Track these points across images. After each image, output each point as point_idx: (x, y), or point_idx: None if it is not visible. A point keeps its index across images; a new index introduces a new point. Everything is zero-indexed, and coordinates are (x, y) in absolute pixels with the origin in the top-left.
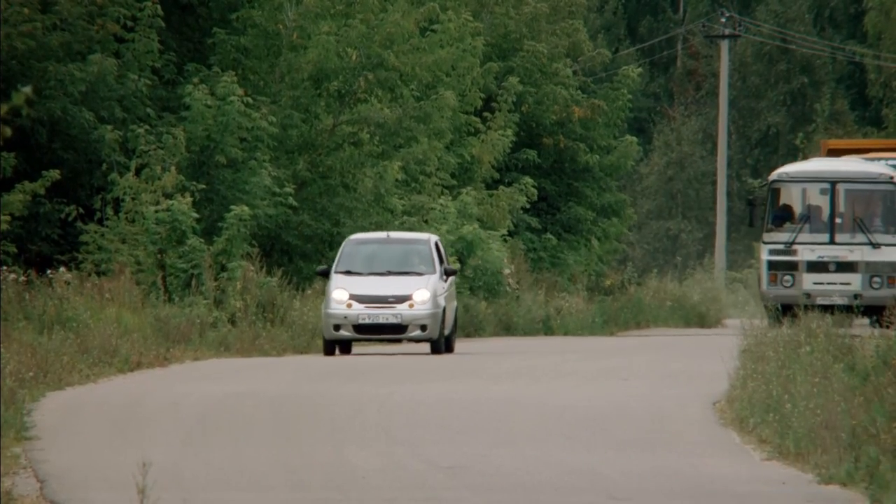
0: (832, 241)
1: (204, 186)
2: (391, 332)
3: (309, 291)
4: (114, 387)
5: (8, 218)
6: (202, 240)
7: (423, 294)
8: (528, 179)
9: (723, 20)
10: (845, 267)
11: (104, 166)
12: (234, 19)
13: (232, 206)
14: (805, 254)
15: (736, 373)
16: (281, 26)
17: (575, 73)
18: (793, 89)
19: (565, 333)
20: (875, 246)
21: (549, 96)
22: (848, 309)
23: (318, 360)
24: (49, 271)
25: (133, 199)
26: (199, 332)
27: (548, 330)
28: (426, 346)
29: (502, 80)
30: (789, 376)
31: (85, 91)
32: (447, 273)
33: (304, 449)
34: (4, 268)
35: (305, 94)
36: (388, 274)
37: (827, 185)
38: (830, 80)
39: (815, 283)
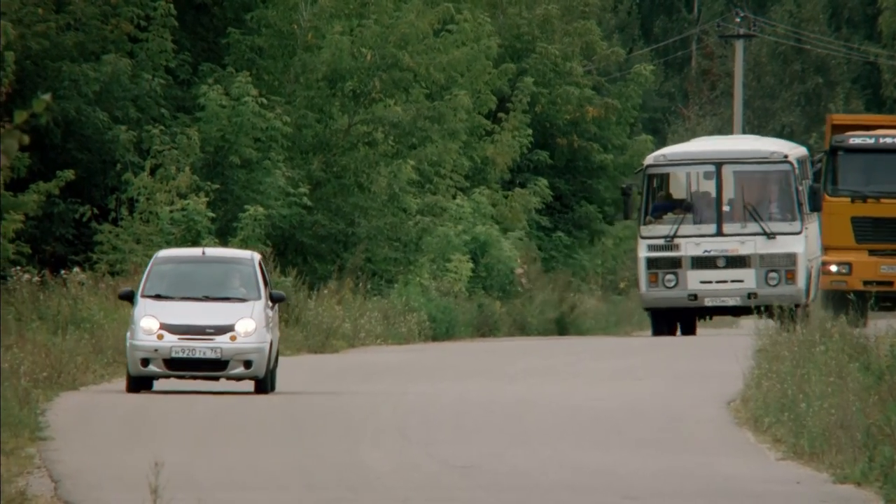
0: (720, 233)
1: (218, 186)
2: (209, 369)
3: (325, 291)
4: None
5: (22, 218)
6: (217, 240)
7: (247, 324)
8: (542, 180)
9: (737, 20)
10: (736, 262)
11: (118, 166)
12: (249, 19)
13: (247, 207)
14: (689, 248)
15: (750, 372)
16: (295, 26)
17: (589, 72)
18: (807, 89)
19: (579, 333)
20: (770, 236)
21: (563, 96)
22: (741, 311)
23: (333, 360)
24: (63, 271)
25: (147, 199)
26: None
27: (562, 330)
28: (249, 384)
29: (516, 81)
30: (804, 376)
31: (99, 91)
32: (274, 299)
33: (318, 449)
34: (19, 268)
35: (320, 94)
36: (206, 299)
37: (711, 168)
38: (845, 81)
39: (703, 282)
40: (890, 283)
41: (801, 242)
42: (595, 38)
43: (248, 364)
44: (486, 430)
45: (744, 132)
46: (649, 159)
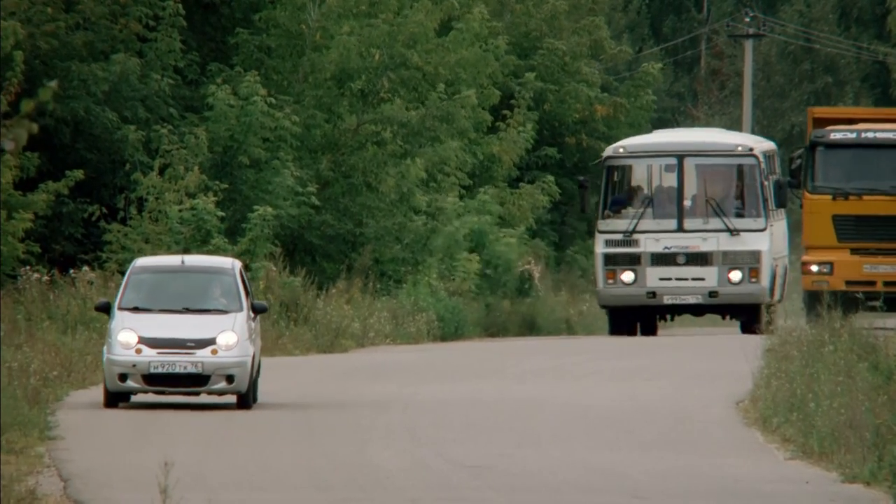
0: (681, 229)
1: (227, 186)
2: (190, 385)
3: (333, 291)
4: None
5: (32, 217)
6: (227, 240)
7: (229, 337)
8: (549, 177)
9: (747, 20)
10: (697, 259)
11: (127, 166)
12: (257, 19)
13: (256, 207)
14: (648, 244)
15: (760, 372)
16: (304, 26)
17: (597, 70)
18: (817, 89)
19: (589, 333)
20: (733, 233)
21: (571, 94)
22: (702, 310)
23: (342, 360)
24: (72, 271)
25: (156, 198)
26: None
27: (571, 330)
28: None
29: (521, 77)
30: (813, 375)
31: (108, 91)
32: (255, 310)
33: (328, 449)
34: (28, 267)
35: (328, 93)
36: (185, 311)
37: (673, 161)
38: (854, 80)
39: (662, 280)
40: (873, 284)
41: (765, 240)
42: (603, 35)
43: (230, 379)
44: (496, 430)
45: (753, 132)
46: (608, 151)
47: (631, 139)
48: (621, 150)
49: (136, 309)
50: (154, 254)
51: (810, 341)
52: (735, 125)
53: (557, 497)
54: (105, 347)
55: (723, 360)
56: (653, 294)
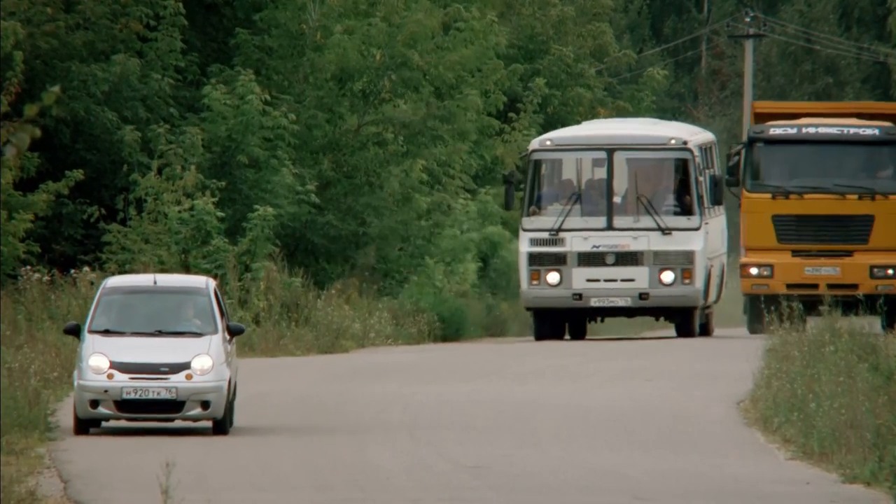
0: (610, 227)
1: (224, 185)
2: (164, 411)
3: (332, 291)
4: None
5: (32, 217)
6: (226, 240)
7: (204, 361)
8: None
9: (747, 20)
10: (627, 259)
11: (125, 167)
12: (258, 20)
13: (256, 206)
14: (575, 243)
15: (760, 373)
16: (304, 26)
17: (599, 73)
18: (817, 89)
19: (590, 334)
20: (665, 232)
21: (575, 98)
22: (633, 312)
23: (343, 360)
24: (72, 271)
25: (155, 199)
26: None
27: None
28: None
29: (528, 81)
30: (813, 376)
31: (108, 91)
32: (231, 332)
33: (328, 449)
34: (29, 267)
35: (329, 94)
36: (158, 334)
37: (602, 154)
38: (855, 81)
39: (589, 281)
40: (816, 287)
41: (699, 239)
42: (608, 39)
43: (205, 405)
44: (496, 430)
45: None
46: (534, 144)
47: (558, 131)
48: (548, 142)
49: (107, 332)
50: (153, 255)
51: (811, 342)
52: (735, 125)
53: (558, 497)
54: (75, 372)
55: (723, 360)
56: (579, 296)
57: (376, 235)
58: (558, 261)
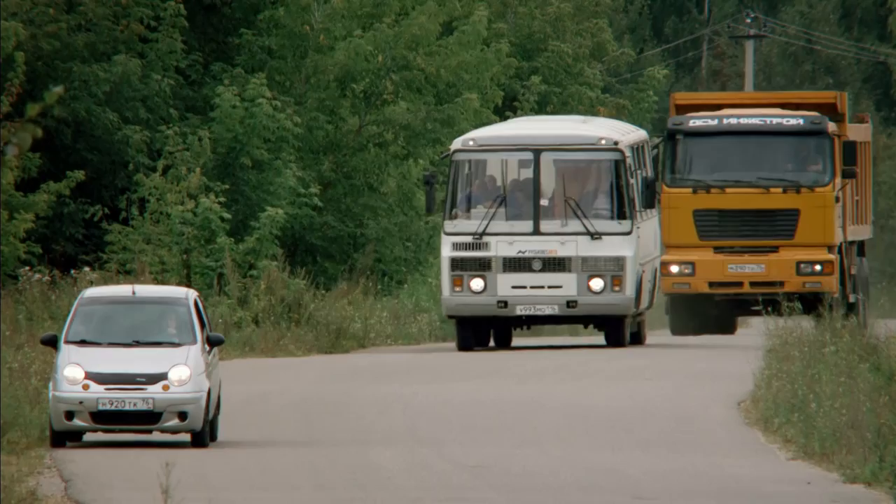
0: (536, 231)
1: (228, 187)
2: (140, 422)
3: (337, 291)
4: None
5: (33, 218)
6: (231, 239)
7: (181, 372)
8: None
9: (748, 20)
10: (554, 265)
11: (129, 167)
12: (260, 20)
13: (266, 207)
14: (500, 248)
15: (761, 373)
16: (307, 28)
17: (599, 72)
18: (818, 90)
19: (591, 334)
20: (595, 236)
21: (574, 97)
22: (561, 321)
23: (343, 360)
24: (73, 271)
25: (158, 199)
26: (223, 332)
27: (572, 330)
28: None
29: (525, 79)
30: (814, 376)
31: (109, 91)
32: (211, 342)
33: (329, 449)
34: (29, 267)
35: (331, 95)
36: (135, 345)
37: (529, 155)
38: (856, 81)
39: (515, 288)
40: (740, 285)
41: (631, 244)
42: (607, 37)
43: (182, 416)
44: (497, 430)
45: None
46: (456, 143)
47: (482, 130)
48: (471, 142)
49: (83, 342)
50: (154, 255)
51: (811, 342)
52: None
53: (559, 497)
54: (50, 384)
55: (723, 360)
56: (504, 304)
57: (374, 236)
58: (482, 266)
